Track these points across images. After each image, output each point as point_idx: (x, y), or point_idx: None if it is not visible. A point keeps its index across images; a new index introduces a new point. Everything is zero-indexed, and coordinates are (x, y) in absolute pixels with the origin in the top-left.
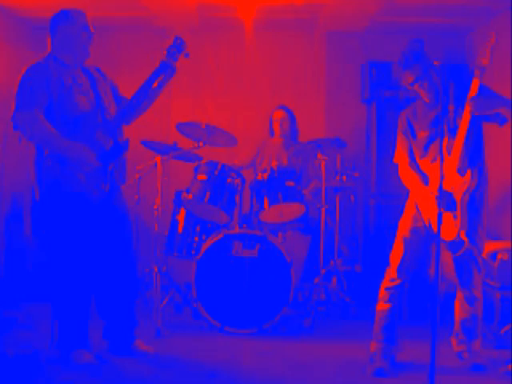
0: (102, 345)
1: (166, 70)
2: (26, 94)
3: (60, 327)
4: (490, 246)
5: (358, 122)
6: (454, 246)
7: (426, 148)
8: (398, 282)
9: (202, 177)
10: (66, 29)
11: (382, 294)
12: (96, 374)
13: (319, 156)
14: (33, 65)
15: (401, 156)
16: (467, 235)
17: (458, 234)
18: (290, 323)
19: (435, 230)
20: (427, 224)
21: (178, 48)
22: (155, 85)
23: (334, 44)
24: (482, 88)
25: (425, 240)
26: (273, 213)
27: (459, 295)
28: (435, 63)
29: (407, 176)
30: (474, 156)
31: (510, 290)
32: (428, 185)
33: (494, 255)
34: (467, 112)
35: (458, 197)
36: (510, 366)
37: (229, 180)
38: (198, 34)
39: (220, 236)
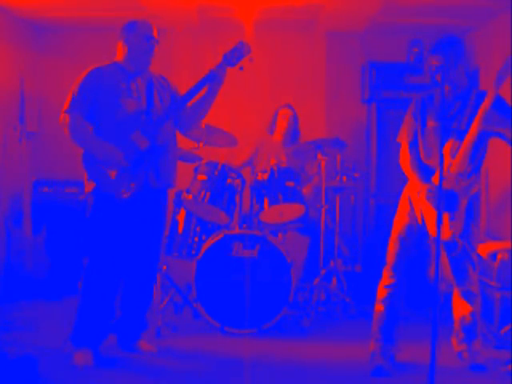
0: (108, 339)
1: (213, 78)
2: (77, 97)
3: (78, 321)
4: (490, 246)
5: (358, 122)
6: (449, 246)
7: (430, 139)
8: (394, 280)
9: (202, 177)
10: (131, 38)
11: (380, 293)
12: (96, 374)
13: (319, 156)
14: (93, 69)
15: (404, 137)
16: (461, 235)
17: (453, 236)
18: (289, 323)
19: (429, 227)
20: (420, 220)
21: (239, 53)
22: (203, 92)
23: (334, 44)
24: (498, 99)
25: (420, 237)
26: (273, 213)
27: (456, 294)
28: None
29: (405, 160)
30: (477, 161)
31: (510, 290)
32: (426, 175)
33: (494, 255)
34: (480, 119)
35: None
36: (510, 366)
37: (229, 180)
38: (198, 34)
39: (220, 236)
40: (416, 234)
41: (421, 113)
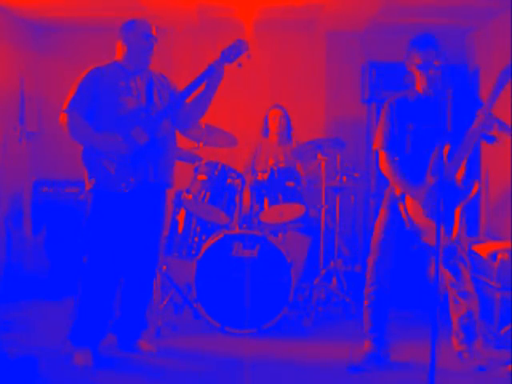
0: (108, 339)
1: (211, 74)
2: (76, 97)
3: (77, 320)
4: (490, 246)
5: (358, 122)
6: (444, 251)
7: (410, 142)
8: (376, 285)
9: (202, 177)
10: (129, 37)
11: (365, 296)
12: (96, 374)
13: (319, 156)
14: (93, 69)
15: (379, 143)
16: (455, 239)
17: (449, 240)
18: (289, 323)
19: (426, 232)
20: (408, 224)
21: (237, 50)
22: (201, 88)
23: (333, 44)
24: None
25: (404, 241)
26: (273, 213)
27: (451, 293)
28: (436, 63)
29: (386, 165)
30: (472, 167)
31: (510, 290)
32: (411, 179)
33: (494, 255)
34: (480, 122)
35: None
36: (510, 366)
37: (229, 180)
38: (198, 34)
39: (220, 236)
40: (398, 238)
41: (397, 115)
